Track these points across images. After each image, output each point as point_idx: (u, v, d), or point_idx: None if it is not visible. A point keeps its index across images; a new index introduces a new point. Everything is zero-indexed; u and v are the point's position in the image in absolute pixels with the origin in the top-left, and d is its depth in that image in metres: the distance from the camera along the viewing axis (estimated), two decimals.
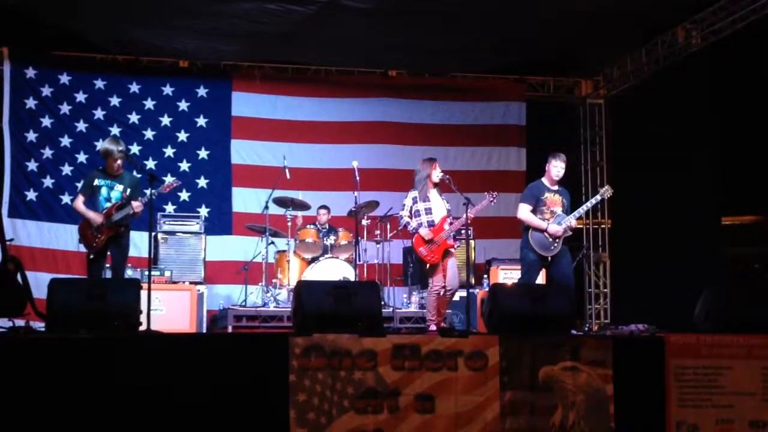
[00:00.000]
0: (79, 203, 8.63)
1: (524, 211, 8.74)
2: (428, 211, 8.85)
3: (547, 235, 8.55)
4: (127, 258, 8.87)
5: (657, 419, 5.88)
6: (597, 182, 13.63)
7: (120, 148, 8.59)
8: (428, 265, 8.81)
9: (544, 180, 8.83)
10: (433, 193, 8.93)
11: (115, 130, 12.15)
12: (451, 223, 8.83)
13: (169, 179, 9.42)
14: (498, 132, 13.39)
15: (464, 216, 8.56)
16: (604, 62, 13.18)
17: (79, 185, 9.09)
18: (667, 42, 11.74)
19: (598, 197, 9.01)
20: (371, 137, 12.96)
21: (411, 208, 8.90)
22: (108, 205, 8.52)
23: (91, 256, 8.48)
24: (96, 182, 8.62)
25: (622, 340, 6.29)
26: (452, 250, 8.88)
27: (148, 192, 7.95)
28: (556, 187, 8.80)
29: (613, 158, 13.61)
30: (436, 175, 8.88)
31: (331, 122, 12.96)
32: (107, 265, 8.85)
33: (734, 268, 10.92)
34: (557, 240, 8.54)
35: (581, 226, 13.36)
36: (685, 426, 5.90)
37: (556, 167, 8.75)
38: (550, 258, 8.59)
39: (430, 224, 8.79)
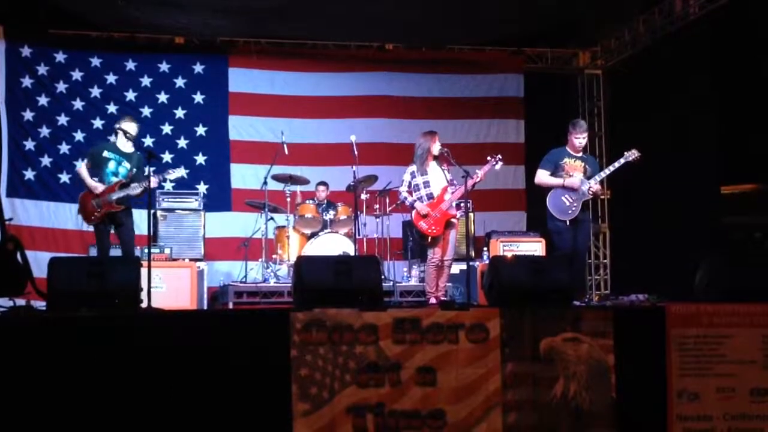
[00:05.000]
0: (84, 169, 8.76)
1: (541, 176, 8.70)
2: (426, 184, 8.83)
3: (565, 198, 8.49)
4: (134, 237, 8.94)
5: (658, 389, 5.89)
6: (596, 153, 13.62)
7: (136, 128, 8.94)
8: (429, 238, 8.80)
9: (567, 147, 8.77)
10: (432, 166, 8.90)
11: (111, 108, 12.17)
12: (453, 192, 8.78)
13: (177, 169, 9.48)
14: (496, 104, 13.38)
15: (465, 186, 8.52)
16: (601, 33, 13.12)
17: (86, 153, 9.17)
18: (664, 11, 11.70)
19: (622, 160, 8.69)
20: (369, 111, 12.95)
21: (410, 182, 8.90)
22: (114, 179, 8.63)
23: (93, 227, 8.68)
24: (105, 153, 8.75)
25: (622, 311, 6.30)
26: (455, 220, 8.86)
27: (146, 170, 7.98)
28: (579, 154, 8.74)
29: (612, 129, 13.59)
30: (437, 148, 8.83)
31: (328, 97, 12.95)
32: (114, 245, 9.01)
33: (734, 237, 10.90)
34: (575, 203, 8.47)
35: None
36: (686, 395, 5.91)
37: (578, 138, 8.69)
38: (569, 222, 8.51)
39: (429, 197, 8.79)
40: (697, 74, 11.09)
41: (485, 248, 11.48)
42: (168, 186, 11.85)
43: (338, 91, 13.00)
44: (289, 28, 12.33)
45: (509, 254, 10.77)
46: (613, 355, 5.86)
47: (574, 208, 8.50)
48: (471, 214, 10.70)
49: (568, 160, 8.66)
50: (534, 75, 13.59)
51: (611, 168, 8.80)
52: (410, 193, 8.88)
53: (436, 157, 8.90)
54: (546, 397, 5.79)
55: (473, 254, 10.73)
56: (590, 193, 8.51)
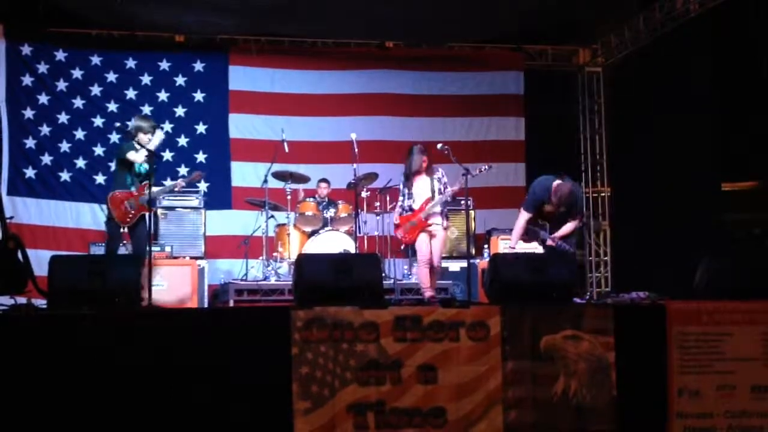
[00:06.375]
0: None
1: (520, 220, 8.64)
2: (410, 195, 9.20)
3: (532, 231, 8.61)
4: (147, 237, 8.96)
5: (659, 386, 5.90)
6: (596, 150, 13.65)
7: (152, 123, 8.96)
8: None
9: (552, 195, 8.52)
10: (421, 178, 9.24)
11: (112, 106, 12.17)
12: (433, 202, 9.10)
13: (198, 171, 9.70)
14: (496, 102, 13.34)
15: (446, 192, 9.00)
16: (601, 30, 13.11)
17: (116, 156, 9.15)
18: (665, 8, 11.68)
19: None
20: (369, 109, 12.92)
21: (401, 190, 9.36)
22: (137, 181, 8.69)
23: (124, 229, 8.71)
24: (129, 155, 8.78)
25: (623, 308, 6.29)
26: (431, 228, 9.13)
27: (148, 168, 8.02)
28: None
29: (612, 126, 13.59)
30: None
31: (328, 95, 12.93)
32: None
33: (734, 234, 10.91)
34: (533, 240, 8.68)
35: None
36: (686, 392, 5.92)
37: (553, 207, 8.55)
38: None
39: (409, 209, 9.20)
40: (697, 71, 11.08)
41: (486, 246, 11.49)
42: (168, 183, 11.85)
43: (338, 89, 12.97)
44: (289, 26, 12.33)
45: (510, 252, 10.77)
46: (613, 352, 5.87)
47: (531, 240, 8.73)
48: (471, 212, 10.72)
49: (548, 206, 8.56)
50: (534, 72, 13.55)
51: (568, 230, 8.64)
52: (402, 202, 9.35)
53: (427, 172, 9.21)
54: (546, 394, 5.79)
55: (474, 252, 10.74)
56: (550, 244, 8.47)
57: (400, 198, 9.37)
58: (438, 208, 9.13)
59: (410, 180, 9.24)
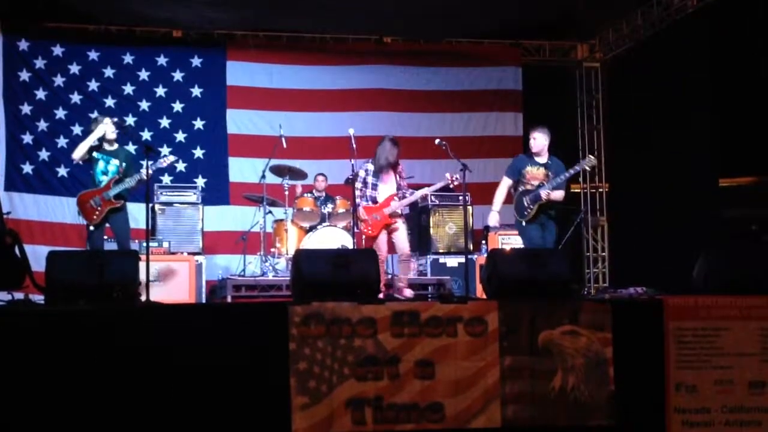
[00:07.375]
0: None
1: (501, 184, 8.86)
2: (375, 187, 9.34)
3: (524, 200, 8.58)
4: (130, 230, 8.97)
5: (656, 381, 5.90)
6: (594, 146, 13.64)
7: (110, 128, 8.87)
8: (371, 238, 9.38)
9: (532, 151, 8.77)
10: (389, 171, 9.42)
11: (109, 102, 12.17)
12: (400, 200, 9.30)
13: (168, 156, 9.58)
14: (494, 97, 13.35)
15: (415, 194, 9.33)
16: (600, 25, 13.10)
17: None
18: (663, 4, 11.68)
19: (577, 168, 8.77)
20: (367, 104, 12.92)
21: (364, 179, 9.39)
22: (104, 178, 8.75)
23: (92, 228, 8.71)
24: (94, 154, 8.80)
25: (621, 304, 6.28)
26: (395, 225, 9.32)
27: (144, 164, 8.00)
28: (542, 160, 8.72)
29: (610, 121, 13.58)
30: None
31: (326, 90, 12.92)
32: (109, 238, 9.17)
33: (732, 230, 10.90)
34: (531, 205, 8.53)
35: (578, 190, 13.37)
36: (684, 387, 5.92)
37: (535, 139, 8.72)
38: (525, 223, 8.61)
39: (373, 200, 9.32)
40: (695, 66, 11.07)
41: (484, 241, 11.48)
42: (166, 180, 11.84)
43: (336, 85, 12.97)
44: (287, 21, 12.32)
45: (508, 247, 10.77)
46: (611, 347, 5.87)
47: (529, 210, 8.54)
48: (469, 207, 10.71)
49: (530, 168, 8.68)
50: (532, 67, 13.56)
51: (566, 175, 8.70)
52: (361, 191, 9.38)
53: (393, 167, 9.37)
54: (544, 389, 5.79)
55: (471, 247, 10.74)
56: (545, 198, 8.49)
57: (360, 186, 9.39)
58: (405, 209, 9.41)
59: (380, 172, 9.35)
